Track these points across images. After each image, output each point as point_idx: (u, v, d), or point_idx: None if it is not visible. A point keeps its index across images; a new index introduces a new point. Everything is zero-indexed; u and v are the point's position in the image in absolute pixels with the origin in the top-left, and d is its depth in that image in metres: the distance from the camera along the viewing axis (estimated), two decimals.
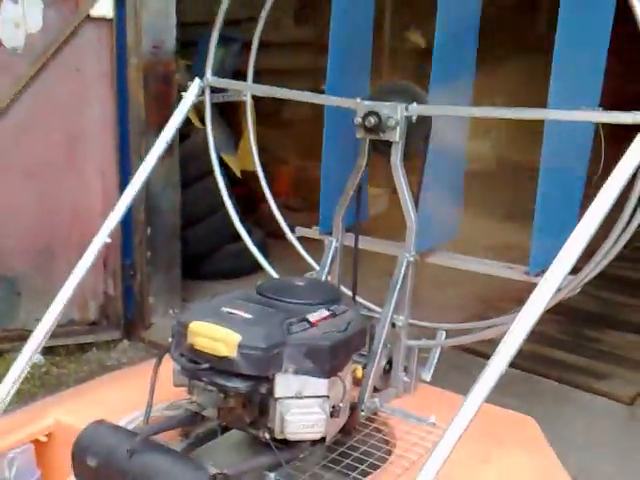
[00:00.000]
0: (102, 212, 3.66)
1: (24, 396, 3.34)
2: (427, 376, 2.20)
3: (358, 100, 2.02)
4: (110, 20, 3.38)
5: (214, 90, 2.40)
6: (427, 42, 8.56)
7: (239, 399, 1.57)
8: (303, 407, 1.55)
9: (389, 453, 1.77)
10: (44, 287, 3.63)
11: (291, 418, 1.54)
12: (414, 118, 1.94)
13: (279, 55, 6.89)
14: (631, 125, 1.66)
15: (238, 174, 5.64)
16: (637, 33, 1.64)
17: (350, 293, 2.25)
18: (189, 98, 2.31)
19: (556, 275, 1.53)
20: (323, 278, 2.16)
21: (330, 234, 2.33)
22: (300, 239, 2.59)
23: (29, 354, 1.98)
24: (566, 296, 1.99)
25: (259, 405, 1.57)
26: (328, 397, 1.58)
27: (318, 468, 1.66)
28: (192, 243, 4.49)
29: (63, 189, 3.53)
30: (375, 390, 1.98)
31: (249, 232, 5.54)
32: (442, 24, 2.11)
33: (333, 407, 1.59)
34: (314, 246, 2.49)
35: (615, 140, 1.98)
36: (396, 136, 1.95)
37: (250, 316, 1.59)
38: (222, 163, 5.66)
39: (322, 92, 2.42)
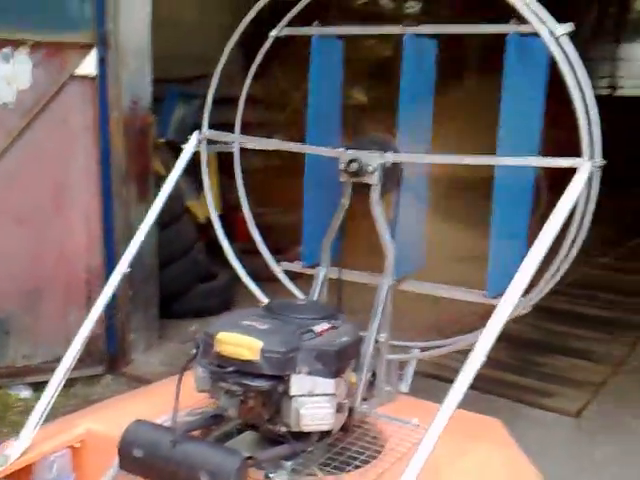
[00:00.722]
0: (86, 254, 3.91)
1: (19, 427, 3.52)
2: (405, 388, 2.53)
3: (341, 150, 2.38)
4: (93, 78, 3.66)
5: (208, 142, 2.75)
6: (368, 99, 9.14)
7: (259, 399, 1.85)
8: (315, 403, 1.84)
9: (381, 449, 2.08)
10: (32, 326, 3.85)
11: (305, 412, 1.83)
12: (389, 164, 2.32)
13: (232, 110, 7.28)
14: (568, 168, 2.08)
15: (202, 220, 5.95)
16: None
17: None
18: (189, 149, 2.64)
19: (513, 296, 1.87)
20: None
21: (312, 267, 2.68)
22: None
23: (58, 381, 2.19)
24: (519, 314, 2.37)
25: (276, 403, 1.87)
26: (335, 395, 1.87)
27: (323, 460, 1.96)
28: (165, 283, 4.75)
29: (50, 234, 3.75)
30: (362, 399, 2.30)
31: (216, 275, 5.83)
32: (405, 86, 2.52)
33: (338, 404, 1.90)
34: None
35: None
36: (374, 179, 2.30)
37: (267, 327, 1.89)
38: (187, 210, 5.99)
39: None
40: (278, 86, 8.87)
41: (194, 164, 6.52)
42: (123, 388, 4.00)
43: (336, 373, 1.89)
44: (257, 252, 6.85)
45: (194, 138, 2.66)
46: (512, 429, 2.32)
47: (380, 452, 2.03)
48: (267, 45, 2.86)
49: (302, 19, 2.74)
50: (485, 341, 1.80)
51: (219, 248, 6.10)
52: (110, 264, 3.90)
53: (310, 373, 1.85)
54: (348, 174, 2.33)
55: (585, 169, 2.00)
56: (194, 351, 1.98)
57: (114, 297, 3.96)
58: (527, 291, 2.09)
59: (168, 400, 2.08)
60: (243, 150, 2.88)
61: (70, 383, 4.01)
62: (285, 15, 2.79)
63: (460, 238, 5.49)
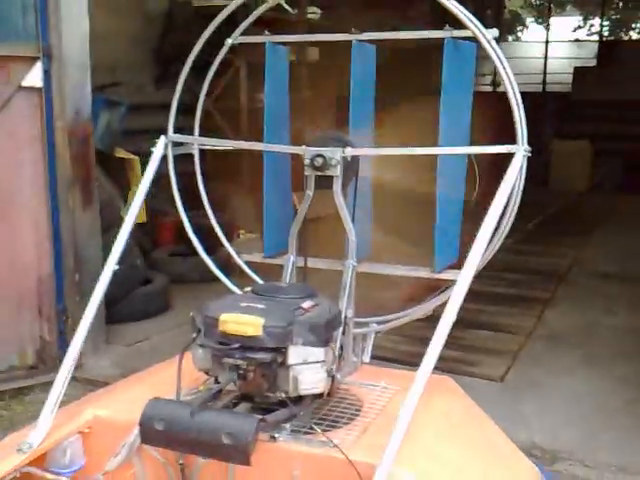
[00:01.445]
0: (36, 263, 3.94)
1: None
2: (367, 358, 2.79)
3: (304, 147, 2.60)
4: (39, 89, 3.70)
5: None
6: None
7: (259, 370, 2.06)
8: (309, 370, 2.06)
9: (360, 408, 2.32)
10: None
11: (302, 378, 2.03)
12: (349, 158, 2.57)
13: (143, 116, 7.31)
14: (505, 154, 2.39)
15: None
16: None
17: None
18: (157, 152, 2.78)
19: (473, 262, 2.17)
20: None
21: (271, 257, 2.89)
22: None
23: (67, 369, 2.29)
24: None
25: (274, 373, 2.07)
26: (325, 361, 2.11)
27: (315, 420, 2.18)
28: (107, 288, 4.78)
29: (0, 243, 3.78)
30: None
31: (152, 279, 5.87)
32: (354, 87, 2.77)
33: (327, 369, 2.13)
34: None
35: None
36: (337, 172, 2.54)
37: (263, 306, 2.09)
38: (120, 217, 5.99)
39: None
40: (190, 93, 8.90)
41: (119, 170, 6.57)
42: (79, 392, 4.01)
43: (325, 342, 2.11)
44: (188, 254, 6.93)
45: (161, 142, 2.79)
46: None
47: (360, 410, 2.26)
48: (223, 51, 2.99)
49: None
50: (453, 306, 2.08)
51: (145, 253, 6.18)
52: (59, 271, 3.96)
53: (304, 344, 2.06)
54: (313, 168, 2.55)
55: (520, 154, 2.32)
56: (194, 335, 2.16)
57: (63, 303, 4.05)
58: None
59: (165, 383, 2.24)
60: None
61: (24, 391, 4.03)
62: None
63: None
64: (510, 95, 2.37)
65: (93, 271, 4.23)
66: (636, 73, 15.79)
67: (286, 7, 8.23)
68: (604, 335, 5.16)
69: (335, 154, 2.53)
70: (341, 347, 2.57)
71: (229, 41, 2.98)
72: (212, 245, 7.40)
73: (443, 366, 4.60)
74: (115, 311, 5.13)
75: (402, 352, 4.50)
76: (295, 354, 2.05)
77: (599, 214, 10.99)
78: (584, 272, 7.11)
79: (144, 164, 6.40)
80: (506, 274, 6.72)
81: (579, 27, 27.91)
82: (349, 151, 2.55)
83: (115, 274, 5.32)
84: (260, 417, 1.92)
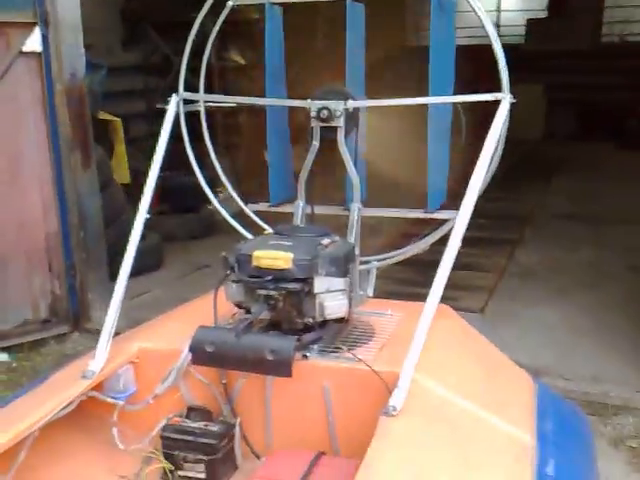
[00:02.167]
0: (43, 222, 4.10)
1: (11, 384, 3.74)
2: (370, 292, 3.06)
3: (309, 100, 2.82)
4: (39, 54, 3.81)
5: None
6: (245, 60, 9.47)
7: (289, 299, 2.30)
8: (333, 297, 2.32)
9: (373, 331, 2.59)
10: (3, 293, 4.02)
11: (327, 304, 2.28)
12: (351, 109, 2.80)
13: (117, 78, 7.35)
14: (492, 101, 2.65)
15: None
16: None
17: None
18: (171, 110, 2.96)
19: (471, 200, 2.42)
20: None
21: (276, 206, 3.13)
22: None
23: (117, 304, 2.51)
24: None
25: (302, 301, 2.32)
26: (345, 290, 2.37)
27: (338, 341, 2.44)
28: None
29: (9, 204, 3.88)
30: None
31: (144, 236, 6.06)
32: (350, 44, 2.99)
33: (347, 297, 2.39)
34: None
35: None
36: (341, 122, 2.77)
37: (290, 243, 2.33)
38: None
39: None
40: (160, 52, 9.00)
41: (102, 133, 6.63)
42: (91, 343, 4.26)
43: (344, 273, 2.37)
44: (170, 212, 7.08)
45: (173, 100, 2.98)
46: None
47: (374, 333, 2.54)
48: (225, 13, 3.13)
49: None
50: (455, 239, 2.35)
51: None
52: (65, 229, 4.12)
53: (327, 274, 2.31)
54: (319, 120, 2.78)
55: (506, 101, 2.57)
56: (228, 272, 2.39)
57: (71, 259, 4.23)
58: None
59: (197, 317, 2.48)
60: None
61: (40, 343, 4.24)
62: None
63: None
64: (494, 46, 2.61)
65: (95, 228, 4.42)
66: (585, 23, 16.21)
67: None
68: (570, 270, 5.54)
69: (339, 106, 2.75)
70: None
71: (230, 3, 3.13)
72: (195, 204, 7.64)
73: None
74: (113, 268, 5.31)
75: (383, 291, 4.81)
76: (320, 284, 2.29)
77: (555, 161, 11.42)
78: (547, 214, 7.50)
79: (124, 125, 6.51)
80: (476, 219, 7.04)
81: None
82: (351, 103, 2.77)
83: (110, 233, 5.50)
84: (297, 338, 2.19)
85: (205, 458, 2.21)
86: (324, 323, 2.35)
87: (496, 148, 2.69)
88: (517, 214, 7.50)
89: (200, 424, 2.27)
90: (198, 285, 5.22)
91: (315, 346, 2.31)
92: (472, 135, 2.87)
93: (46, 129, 3.92)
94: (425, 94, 2.75)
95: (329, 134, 2.82)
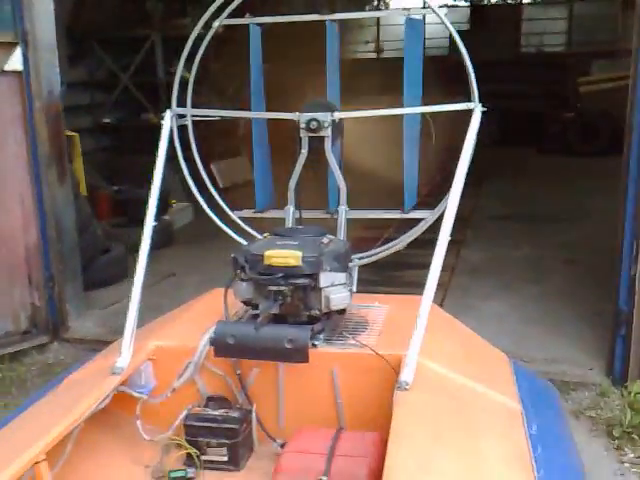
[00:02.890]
0: (24, 235, 4.16)
1: (1, 395, 3.79)
2: (354, 287, 3.30)
3: (297, 113, 3.03)
4: (20, 72, 3.88)
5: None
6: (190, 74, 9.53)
7: (297, 294, 2.50)
8: (336, 290, 2.53)
9: (367, 321, 2.82)
10: None
11: (332, 297, 2.49)
12: (337, 120, 3.03)
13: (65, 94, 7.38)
14: (465, 110, 2.93)
15: None
16: None
17: None
18: (166, 124, 3.12)
19: (454, 203, 2.67)
20: None
21: (261, 212, 3.34)
22: None
23: (136, 305, 2.64)
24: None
25: (308, 295, 2.53)
26: (346, 284, 2.60)
27: (340, 330, 2.65)
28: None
29: None
30: None
31: (109, 249, 6.06)
32: (329, 61, 3.24)
33: (348, 290, 2.62)
34: None
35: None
36: (328, 132, 3.00)
37: (296, 243, 2.54)
38: None
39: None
40: (105, 68, 9.00)
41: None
42: (72, 351, 4.35)
43: (345, 268, 2.60)
44: (127, 225, 7.11)
45: (167, 116, 3.13)
46: None
47: (368, 323, 2.77)
48: (211, 33, 3.25)
49: None
50: (443, 238, 2.61)
51: None
52: (45, 241, 4.19)
53: (331, 270, 2.53)
54: (308, 130, 3.00)
55: (478, 110, 2.86)
56: (238, 271, 2.58)
57: (50, 271, 4.30)
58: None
59: (201, 316, 2.69)
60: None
61: (22, 354, 4.27)
62: None
63: None
64: (465, 61, 2.90)
65: (70, 241, 4.50)
66: (505, 35, 17.02)
67: None
68: (512, 265, 5.93)
69: (326, 117, 2.99)
70: None
71: (215, 24, 3.27)
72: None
73: None
74: (85, 277, 5.36)
75: None
76: (325, 278, 2.51)
77: (483, 167, 11.93)
78: (484, 216, 7.93)
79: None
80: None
81: None
82: (337, 114, 3.02)
83: (79, 244, 5.51)
84: (311, 327, 2.40)
85: (228, 442, 2.40)
86: (327, 315, 2.58)
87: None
88: (457, 216, 7.87)
89: (220, 412, 2.45)
90: (167, 293, 5.35)
91: (321, 335, 2.54)
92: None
93: (26, 145, 3.99)
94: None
95: (316, 143, 3.07)
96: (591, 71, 15.09)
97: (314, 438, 2.21)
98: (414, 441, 1.89)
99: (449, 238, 2.62)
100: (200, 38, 3.28)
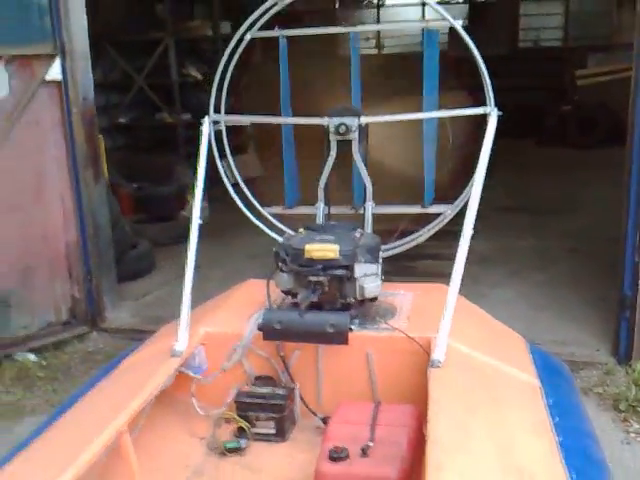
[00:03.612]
0: (64, 232, 4.39)
1: (49, 380, 4.03)
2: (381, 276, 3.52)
3: (326, 118, 3.25)
4: (59, 82, 4.10)
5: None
6: (202, 74, 9.80)
7: (334, 284, 2.73)
8: (370, 280, 2.76)
9: (395, 308, 3.03)
10: (28, 300, 4.28)
11: (366, 286, 2.71)
12: (363, 124, 3.25)
13: None
14: (482, 114, 3.15)
15: None
16: None
17: None
18: (205, 130, 3.32)
19: (475, 200, 2.90)
20: None
21: (290, 208, 3.57)
22: None
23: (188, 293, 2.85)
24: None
25: (345, 284, 2.75)
26: (377, 274, 2.82)
27: (373, 316, 2.86)
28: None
29: (34, 217, 4.15)
30: None
31: (136, 244, 6.27)
32: (354, 70, 3.46)
33: (380, 279, 2.85)
34: None
35: None
36: (355, 136, 3.23)
37: (332, 237, 2.76)
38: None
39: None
40: (119, 70, 9.19)
41: None
42: (108, 340, 4.58)
43: (376, 259, 2.82)
44: (149, 221, 7.34)
45: (206, 122, 3.32)
46: None
47: (396, 309, 2.99)
48: (243, 45, 3.46)
49: None
50: (467, 231, 2.83)
51: None
52: (84, 238, 4.42)
53: (365, 261, 2.75)
54: (337, 134, 3.22)
55: (494, 114, 3.08)
56: (280, 264, 2.80)
57: (88, 266, 4.52)
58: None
59: (245, 304, 2.92)
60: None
61: (64, 343, 4.51)
62: None
63: None
64: (480, 66, 3.11)
65: (105, 237, 4.73)
66: (503, 30, 17.18)
67: None
68: (519, 255, 6.17)
69: (354, 122, 3.21)
70: None
71: (248, 36, 3.47)
72: (170, 211, 7.94)
73: None
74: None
75: None
76: (359, 269, 2.72)
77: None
78: (491, 208, 8.08)
79: None
80: None
81: None
82: (364, 119, 3.24)
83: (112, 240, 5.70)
84: (349, 313, 2.63)
85: (275, 416, 2.61)
86: (361, 302, 2.81)
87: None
88: (464, 209, 8.09)
89: (267, 389, 2.68)
90: (194, 286, 5.56)
91: (357, 320, 2.76)
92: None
93: (65, 149, 4.21)
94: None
95: (343, 146, 3.29)
96: (587, 64, 15.25)
97: (356, 410, 2.43)
98: (451, 412, 2.12)
99: (472, 232, 2.81)
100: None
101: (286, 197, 3.64)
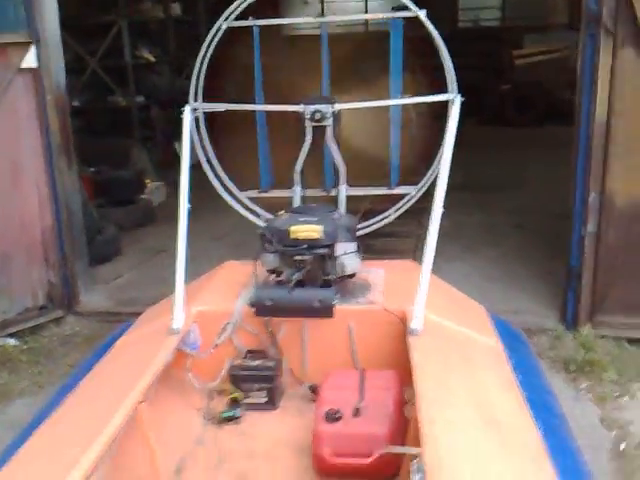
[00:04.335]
0: (39, 218, 4.43)
1: (33, 363, 4.11)
2: None
3: (303, 106, 3.41)
4: (35, 70, 4.13)
5: None
6: (154, 56, 9.75)
7: (316, 262, 2.91)
8: (349, 258, 2.96)
9: (369, 283, 3.23)
10: (6, 286, 4.33)
11: (347, 263, 2.92)
12: (337, 111, 3.43)
13: None
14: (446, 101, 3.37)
15: None
16: None
17: None
18: (186, 118, 3.43)
19: (443, 181, 3.11)
20: None
21: (265, 192, 3.74)
22: None
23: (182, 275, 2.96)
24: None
25: (325, 263, 2.95)
26: (356, 252, 3.03)
27: (351, 292, 3.07)
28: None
29: (11, 205, 4.17)
30: None
31: (102, 229, 6.31)
32: (324, 57, 3.63)
33: (359, 257, 3.05)
34: None
35: None
36: (330, 122, 3.40)
37: (315, 219, 2.95)
38: None
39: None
40: (72, 52, 9.02)
41: None
42: (84, 323, 4.66)
43: (355, 239, 3.03)
44: (108, 206, 7.31)
45: (188, 110, 3.44)
46: None
47: (371, 285, 3.19)
48: (219, 35, 3.55)
49: None
50: (436, 212, 3.05)
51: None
52: (59, 224, 4.48)
53: (344, 240, 2.95)
54: (313, 120, 3.39)
55: (458, 100, 3.30)
56: (266, 245, 2.97)
57: (63, 251, 4.58)
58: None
59: (228, 284, 3.08)
60: None
61: (41, 327, 4.57)
62: None
63: None
64: (441, 53, 3.33)
65: (78, 222, 4.79)
66: (443, 10, 17.43)
67: None
68: (470, 230, 6.48)
69: (328, 109, 3.39)
70: None
71: (223, 26, 3.59)
72: (130, 195, 7.96)
73: None
74: None
75: None
76: (340, 248, 2.92)
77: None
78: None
79: None
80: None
81: None
82: (337, 106, 3.42)
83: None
84: (332, 289, 2.84)
85: (266, 386, 2.80)
86: (341, 279, 3.01)
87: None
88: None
89: (258, 362, 2.87)
90: (166, 267, 5.62)
91: (338, 295, 2.96)
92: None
93: (40, 136, 4.25)
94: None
95: (318, 132, 3.46)
96: (524, 45, 15.70)
97: (345, 377, 2.64)
98: (434, 373, 2.34)
99: (442, 210, 3.02)
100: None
101: (262, 181, 3.81)
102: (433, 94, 3.40)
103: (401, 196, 3.76)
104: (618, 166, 3.93)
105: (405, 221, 6.76)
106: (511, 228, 6.52)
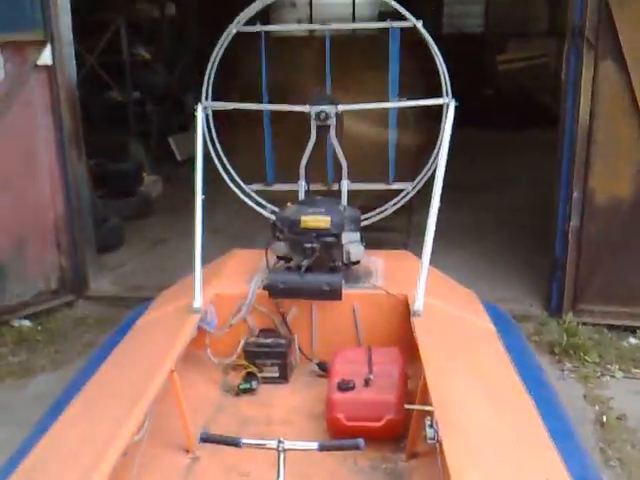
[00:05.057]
0: (52, 206, 4.61)
1: (48, 344, 4.28)
2: None
3: (308, 106, 3.62)
4: (49, 67, 4.29)
5: None
6: (151, 54, 9.89)
7: (324, 249, 3.11)
8: (354, 246, 3.18)
9: (371, 270, 3.45)
10: (21, 270, 4.49)
11: (352, 251, 3.13)
12: (340, 111, 3.65)
13: None
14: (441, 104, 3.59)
15: None
16: None
17: None
18: (199, 116, 3.61)
19: (440, 176, 3.36)
20: None
21: (271, 185, 3.95)
22: None
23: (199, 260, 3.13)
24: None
25: (333, 250, 3.17)
26: (360, 241, 3.25)
27: (356, 276, 3.28)
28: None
29: (26, 192, 4.34)
30: None
31: (106, 219, 6.48)
32: (327, 62, 3.85)
33: (363, 246, 3.27)
34: None
35: None
36: (334, 122, 3.62)
37: (323, 210, 3.17)
38: None
39: None
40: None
41: None
42: (94, 307, 4.84)
43: (359, 229, 3.25)
44: (108, 198, 7.46)
45: (200, 108, 3.62)
46: None
47: (373, 271, 3.41)
48: (229, 39, 3.75)
49: None
50: (434, 203, 3.28)
51: None
52: (70, 212, 4.66)
53: (350, 230, 3.16)
54: (318, 120, 3.60)
55: (452, 105, 3.54)
56: (277, 233, 3.18)
57: (74, 237, 4.75)
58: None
59: (238, 269, 3.29)
60: None
61: (53, 310, 4.73)
62: None
63: None
64: (436, 59, 3.56)
65: (87, 211, 4.95)
66: (429, 16, 17.73)
67: None
68: (458, 227, 6.68)
69: (333, 109, 3.61)
70: None
71: (233, 30, 3.79)
72: (130, 187, 8.11)
73: None
74: None
75: None
76: (346, 237, 3.14)
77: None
78: (428, 185, 8.69)
79: None
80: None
81: None
82: (340, 107, 3.64)
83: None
84: (338, 274, 3.05)
85: (278, 362, 3.01)
86: (346, 265, 3.23)
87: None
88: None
89: (271, 340, 3.08)
90: (166, 257, 5.83)
91: (343, 280, 3.17)
92: None
93: (54, 129, 4.42)
94: None
95: (322, 130, 3.67)
96: (507, 50, 16.01)
97: (354, 353, 2.86)
98: (438, 351, 2.56)
99: (439, 204, 3.24)
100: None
101: (267, 175, 4.01)
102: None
103: (397, 192, 3.99)
104: (599, 166, 4.20)
105: (395, 216, 7.05)
106: (495, 225, 6.77)
